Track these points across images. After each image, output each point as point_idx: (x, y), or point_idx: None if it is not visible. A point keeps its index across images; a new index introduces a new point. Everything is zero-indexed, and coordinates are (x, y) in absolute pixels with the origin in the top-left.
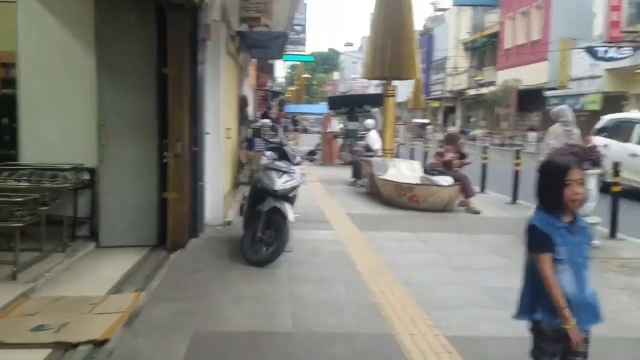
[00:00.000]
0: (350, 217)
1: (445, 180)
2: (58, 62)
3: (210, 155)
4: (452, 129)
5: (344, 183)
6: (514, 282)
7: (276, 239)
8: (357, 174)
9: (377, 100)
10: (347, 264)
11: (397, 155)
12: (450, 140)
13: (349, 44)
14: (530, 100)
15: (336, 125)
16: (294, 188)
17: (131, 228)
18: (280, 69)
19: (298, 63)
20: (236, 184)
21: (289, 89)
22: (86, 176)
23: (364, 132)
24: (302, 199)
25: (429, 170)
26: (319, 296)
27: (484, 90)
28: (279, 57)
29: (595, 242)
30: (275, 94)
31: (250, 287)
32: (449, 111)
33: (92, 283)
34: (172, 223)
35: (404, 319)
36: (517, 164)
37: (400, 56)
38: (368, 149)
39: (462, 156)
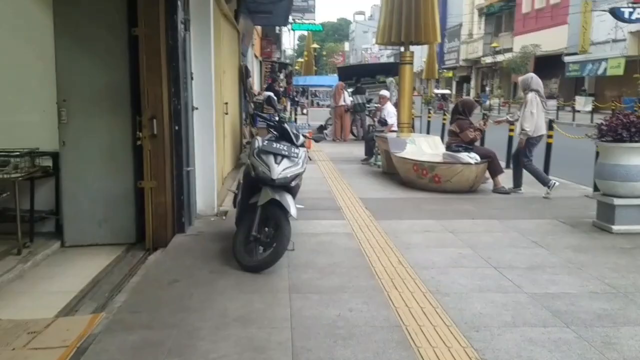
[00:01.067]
0: (364, 202)
1: (471, 157)
2: (8, 24)
3: (200, 135)
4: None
5: (356, 161)
6: (568, 285)
7: (275, 238)
8: (370, 152)
9: (391, 69)
10: (361, 266)
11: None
12: (464, 111)
13: (360, 13)
14: (549, 66)
15: (348, 97)
16: (297, 176)
17: (103, 223)
18: (288, 39)
19: (307, 34)
20: (237, 165)
21: (298, 60)
22: (47, 162)
23: (377, 105)
24: (309, 181)
25: (452, 146)
26: (326, 315)
27: (500, 57)
28: (284, 23)
29: None
30: (284, 65)
31: (240, 303)
32: (463, 81)
33: (45, 297)
34: (150, 217)
35: (438, 347)
36: (550, 136)
37: (419, 17)
38: (384, 123)
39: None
